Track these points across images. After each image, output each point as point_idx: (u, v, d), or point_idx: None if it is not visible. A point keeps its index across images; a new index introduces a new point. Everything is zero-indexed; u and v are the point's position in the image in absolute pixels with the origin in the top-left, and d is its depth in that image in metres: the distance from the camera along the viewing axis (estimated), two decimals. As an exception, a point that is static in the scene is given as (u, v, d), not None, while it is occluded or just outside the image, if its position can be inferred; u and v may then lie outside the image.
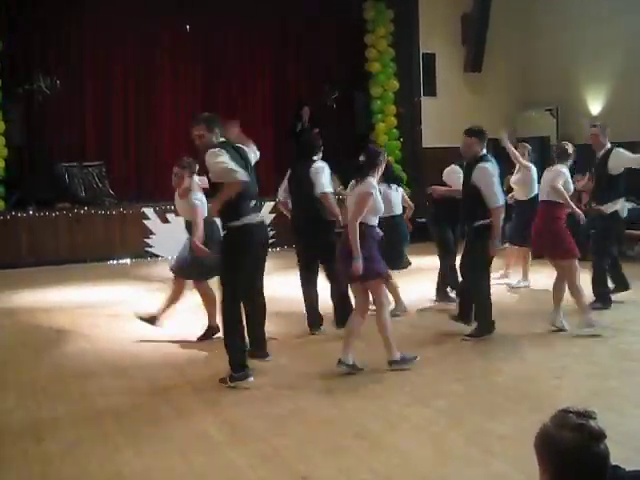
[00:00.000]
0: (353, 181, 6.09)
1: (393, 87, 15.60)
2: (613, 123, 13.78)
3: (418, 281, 9.46)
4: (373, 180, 5.98)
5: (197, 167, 7.12)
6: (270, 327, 6.61)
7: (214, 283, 6.58)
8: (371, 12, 15.53)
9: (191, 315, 7.76)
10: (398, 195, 8.02)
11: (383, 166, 6.27)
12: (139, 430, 4.85)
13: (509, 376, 5.80)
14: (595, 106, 14.55)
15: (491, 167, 6.81)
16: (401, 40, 15.60)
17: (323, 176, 7.08)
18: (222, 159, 5.52)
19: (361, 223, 5.79)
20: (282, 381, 5.82)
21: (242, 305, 5.85)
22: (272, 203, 11.60)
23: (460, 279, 7.67)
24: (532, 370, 5.96)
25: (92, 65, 14.25)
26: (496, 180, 6.82)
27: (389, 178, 7.81)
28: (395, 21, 15.56)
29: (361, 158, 6.09)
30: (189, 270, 7.03)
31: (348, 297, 6.76)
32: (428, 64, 15.67)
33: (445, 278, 8.59)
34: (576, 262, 7.01)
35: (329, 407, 5.20)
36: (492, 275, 7.37)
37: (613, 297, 8.16)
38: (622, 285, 8.40)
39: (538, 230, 7.32)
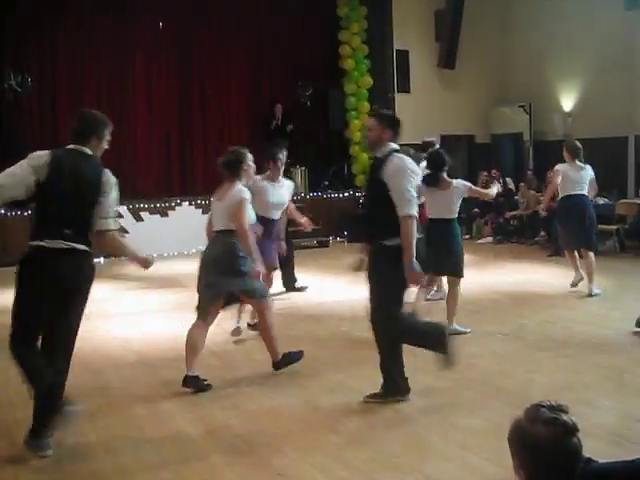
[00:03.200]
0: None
1: (367, 84, 15.63)
2: (585, 119, 14.01)
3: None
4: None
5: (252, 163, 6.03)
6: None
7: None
8: (345, 9, 15.55)
9: (165, 315, 7.72)
10: None
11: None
12: (113, 430, 4.81)
13: (483, 371, 5.83)
14: (567, 102, 14.69)
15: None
16: (375, 37, 15.64)
17: None
18: None
19: None
20: (257, 379, 5.81)
21: None
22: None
23: None
24: (505, 365, 5.99)
25: (65, 63, 14.12)
26: None
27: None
28: (369, 18, 15.60)
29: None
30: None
31: None
32: (402, 61, 15.74)
33: None
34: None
35: (304, 404, 5.19)
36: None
37: None
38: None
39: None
